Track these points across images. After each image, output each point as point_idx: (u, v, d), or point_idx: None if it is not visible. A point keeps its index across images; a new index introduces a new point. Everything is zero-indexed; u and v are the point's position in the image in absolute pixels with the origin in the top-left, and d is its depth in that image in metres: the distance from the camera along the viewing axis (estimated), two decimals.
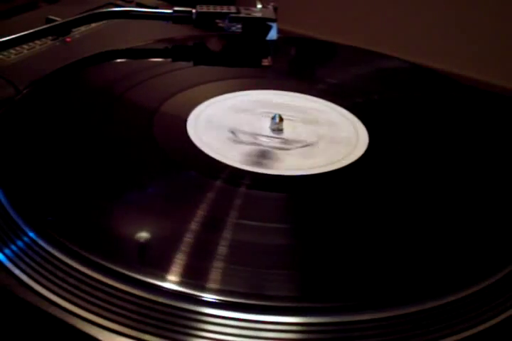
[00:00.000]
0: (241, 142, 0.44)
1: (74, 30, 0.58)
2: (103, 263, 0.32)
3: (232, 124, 0.46)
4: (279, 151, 0.43)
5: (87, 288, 0.32)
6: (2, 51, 0.54)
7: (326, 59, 0.59)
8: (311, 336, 0.30)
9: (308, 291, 0.32)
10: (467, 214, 0.38)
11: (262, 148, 0.43)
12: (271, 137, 0.45)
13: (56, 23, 0.55)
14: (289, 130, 0.46)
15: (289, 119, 0.46)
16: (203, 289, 0.31)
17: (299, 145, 0.44)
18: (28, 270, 0.33)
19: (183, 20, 0.56)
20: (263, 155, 0.42)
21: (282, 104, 0.49)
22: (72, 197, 0.37)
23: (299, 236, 0.36)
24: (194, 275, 0.32)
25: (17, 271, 0.33)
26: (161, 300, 0.31)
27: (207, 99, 0.48)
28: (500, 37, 0.69)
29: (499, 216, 0.38)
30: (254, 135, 0.45)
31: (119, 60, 0.54)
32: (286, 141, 0.44)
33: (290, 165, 0.42)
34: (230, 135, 0.44)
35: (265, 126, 0.46)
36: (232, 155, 0.42)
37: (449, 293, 0.32)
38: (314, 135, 0.45)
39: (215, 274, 0.32)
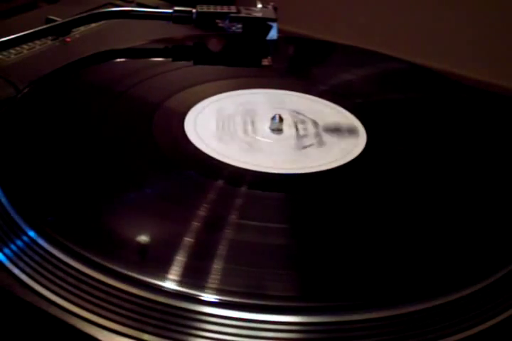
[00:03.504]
0: (238, 140, 0.44)
1: (74, 30, 0.58)
2: (103, 262, 0.32)
3: (232, 123, 0.46)
4: (275, 149, 0.43)
5: (87, 288, 0.32)
6: (2, 51, 0.54)
7: (326, 59, 0.59)
8: (310, 336, 0.30)
9: (307, 291, 0.32)
10: (467, 214, 0.38)
11: (259, 145, 0.43)
12: (269, 136, 0.45)
13: (56, 23, 0.55)
14: (288, 130, 0.45)
15: (289, 119, 0.46)
16: (203, 289, 0.31)
17: (297, 145, 0.44)
18: (28, 270, 0.33)
19: (184, 20, 0.56)
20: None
21: (282, 103, 0.49)
22: (72, 197, 0.37)
23: (298, 236, 0.36)
24: (194, 275, 0.32)
25: (17, 271, 0.33)
26: (160, 299, 0.31)
27: (206, 98, 0.48)
28: (500, 37, 0.69)
29: (499, 216, 0.38)
30: (253, 134, 0.45)
31: (119, 60, 0.54)
32: (284, 141, 0.44)
33: (282, 163, 0.42)
34: (229, 133, 0.44)
35: (265, 126, 0.46)
36: (228, 153, 0.42)
37: (449, 293, 0.32)
38: (313, 136, 0.45)
39: (214, 274, 0.32)
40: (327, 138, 0.45)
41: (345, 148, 0.44)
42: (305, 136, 0.45)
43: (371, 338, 0.30)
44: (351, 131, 0.45)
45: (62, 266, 0.33)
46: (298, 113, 0.48)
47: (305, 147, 0.44)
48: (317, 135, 0.45)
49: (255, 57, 0.56)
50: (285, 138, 0.45)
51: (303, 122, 0.47)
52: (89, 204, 0.37)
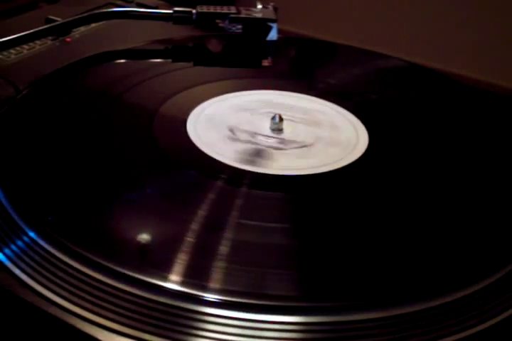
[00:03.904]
0: (237, 140, 0.44)
1: (74, 30, 0.58)
2: (103, 262, 0.32)
3: (232, 124, 0.46)
4: (274, 151, 0.43)
5: (87, 288, 0.32)
6: (2, 51, 0.54)
7: (326, 59, 0.59)
8: (311, 335, 0.30)
9: (308, 291, 0.32)
10: (467, 214, 0.38)
11: (257, 146, 0.43)
12: (269, 136, 0.45)
13: (56, 23, 0.55)
14: (288, 130, 0.46)
15: (289, 120, 0.46)
16: (204, 289, 0.31)
17: (296, 145, 0.44)
18: (28, 270, 0.33)
19: (184, 20, 0.56)
20: (258, 154, 0.42)
21: (282, 104, 0.49)
22: (72, 196, 0.37)
23: (299, 236, 0.36)
24: (194, 275, 0.32)
25: (17, 271, 0.33)
26: (161, 299, 0.31)
27: (207, 99, 0.48)
28: (501, 37, 0.69)
29: (499, 216, 0.38)
30: (253, 134, 0.45)
31: (119, 61, 0.54)
32: (283, 141, 0.44)
33: (282, 165, 0.42)
34: (229, 133, 0.45)
35: (265, 126, 0.46)
36: (228, 153, 0.42)
37: (449, 293, 0.32)
38: (313, 136, 0.45)
39: (215, 274, 0.32)
40: (326, 139, 0.45)
41: (344, 149, 0.44)
42: (303, 136, 0.45)
43: (371, 338, 0.30)
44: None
45: (62, 265, 0.33)
46: (298, 113, 0.48)
47: (303, 147, 0.44)
48: (316, 136, 0.45)
49: (255, 58, 0.56)
50: (283, 138, 0.45)
51: (303, 123, 0.47)
52: (90, 204, 0.37)
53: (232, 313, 0.30)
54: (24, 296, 0.32)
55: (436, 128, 0.47)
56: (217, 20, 0.57)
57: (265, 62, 0.56)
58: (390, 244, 0.35)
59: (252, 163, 0.41)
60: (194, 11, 0.55)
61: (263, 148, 0.43)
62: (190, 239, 0.34)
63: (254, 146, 0.43)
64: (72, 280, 0.32)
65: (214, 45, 0.57)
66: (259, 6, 0.57)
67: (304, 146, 0.44)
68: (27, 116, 0.45)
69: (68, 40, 0.58)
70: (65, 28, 0.56)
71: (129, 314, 0.30)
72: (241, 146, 0.43)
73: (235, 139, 0.44)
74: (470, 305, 0.32)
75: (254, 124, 0.46)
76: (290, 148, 0.44)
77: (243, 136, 0.44)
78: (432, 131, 0.47)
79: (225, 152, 0.42)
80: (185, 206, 0.37)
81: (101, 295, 0.31)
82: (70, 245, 0.33)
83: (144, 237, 0.35)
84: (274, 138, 0.45)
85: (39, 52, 0.56)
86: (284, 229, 0.36)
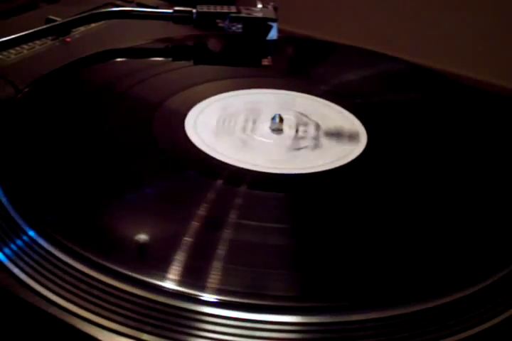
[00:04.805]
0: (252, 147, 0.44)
1: (74, 30, 0.58)
2: (103, 262, 0.32)
3: (232, 124, 0.46)
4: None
5: (87, 288, 0.32)
6: (2, 51, 0.54)
7: (326, 59, 0.59)
8: (310, 336, 0.30)
9: (308, 291, 0.32)
10: (467, 214, 0.38)
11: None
12: (273, 137, 0.45)
13: (56, 23, 0.55)
14: (289, 129, 0.46)
15: (289, 119, 0.46)
16: (203, 289, 0.31)
17: (306, 144, 0.44)
18: (28, 269, 0.33)
19: (184, 20, 0.56)
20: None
21: (282, 103, 0.49)
22: (72, 196, 0.37)
23: (298, 236, 0.36)
24: (194, 275, 0.32)
25: (16, 271, 0.33)
26: (160, 299, 0.31)
27: (207, 98, 0.48)
28: (500, 37, 0.69)
29: (499, 216, 0.38)
30: (253, 134, 0.45)
31: (119, 60, 0.54)
32: (294, 139, 0.44)
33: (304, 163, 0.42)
34: (232, 135, 0.45)
35: (265, 126, 0.46)
36: (228, 154, 0.42)
37: (449, 293, 0.32)
38: (314, 134, 0.45)
39: (214, 274, 0.32)
40: (325, 141, 0.45)
41: (345, 148, 0.44)
42: (303, 137, 0.45)
43: (371, 338, 0.30)
44: (352, 137, 0.45)
45: (62, 265, 0.33)
46: (300, 113, 0.48)
47: (299, 149, 0.44)
48: (315, 138, 0.45)
49: (255, 57, 0.56)
50: (283, 139, 0.45)
51: (304, 124, 0.47)
52: (89, 204, 0.37)
53: (231, 313, 0.30)
54: (24, 296, 0.32)
55: (436, 128, 0.47)
56: (218, 20, 0.57)
57: (265, 62, 0.56)
58: (389, 244, 0.35)
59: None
60: (194, 11, 0.55)
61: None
62: (189, 239, 0.34)
63: (253, 145, 0.43)
64: (71, 280, 0.32)
65: (214, 45, 0.57)
66: (260, 6, 0.57)
67: (300, 148, 0.44)
68: (27, 116, 0.45)
69: (68, 40, 0.58)
70: (65, 28, 0.56)
71: (129, 314, 0.30)
72: (241, 146, 0.43)
73: (236, 140, 0.44)
74: (470, 305, 0.32)
75: (254, 124, 0.46)
76: (285, 148, 0.44)
77: (243, 136, 0.44)
78: (432, 131, 0.47)
79: (225, 151, 0.42)
80: (185, 206, 0.37)
81: (100, 294, 0.31)
82: (70, 245, 0.33)
83: (144, 237, 0.35)
84: (273, 137, 0.45)
85: (39, 52, 0.56)
86: (283, 229, 0.36)
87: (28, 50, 0.56)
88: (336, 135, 0.45)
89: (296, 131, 0.46)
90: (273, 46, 0.56)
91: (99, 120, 0.45)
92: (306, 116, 0.48)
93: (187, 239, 0.34)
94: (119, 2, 0.66)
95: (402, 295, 0.32)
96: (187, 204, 0.37)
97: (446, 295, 0.32)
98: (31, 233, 0.34)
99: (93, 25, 0.61)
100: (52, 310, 0.31)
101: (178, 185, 0.39)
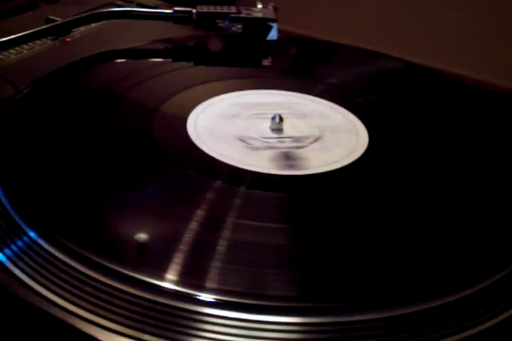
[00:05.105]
0: (255, 148, 0.44)
1: (74, 30, 0.58)
2: (103, 262, 0.32)
3: (233, 124, 0.46)
4: (297, 150, 0.43)
5: (87, 288, 0.32)
6: (2, 51, 0.54)
7: (326, 59, 0.59)
8: (310, 336, 0.30)
9: (308, 291, 0.32)
10: (467, 214, 0.38)
11: (281, 150, 0.43)
12: (277, 138, 0.45)
13: (56, 23, 0.55)
14: (289, 129, 0.46)
15: (289, 118, 0.46)
16: (203, 289, 0.31)
17: (310, 140, 0.44)
18: (28, 270, 0.33)
19: (184, 20, 0.56)
20: (287, 157, 0.42)
21: (282, 103, 0.49)
22: (72, 196, 0.37)
23: (298, 236, 0.36)
24: (193, 275, 0.32)
25: (17, 271, 0.33)
26: (160, 299, 0.31)
27: (207, 99, 0.48)
28: (500, 37, 0.69)
29: (499, 216, 0.38)
30: (253, 134, 0.45)
31: (119, 60, 0.54)
32: (296, 139, 0.44)
33: (318, 160, 0.42)
34: (236, 138, 0.44)
35: (265, 126, 0.46)
36: (229, 154, 0.42)
37: (449, 293, 0.32)
38: (316, 130, 0.45)
39: (214, 274, 0.32)
40: (325, 141, 0.45)
41: (347, 148, 0.44)
42: (302, 138, 0.45)
43: (371, 339, 0.30)
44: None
45: (62, 266, 0.33)
46: (300, 114, 0.48)
47: (299, 148, 0.44)
48: (315, 138, 0.45)
49: (255, 58, 0.56)
50: (283, 139, 0.45)
51: (305, 124, 0.47)
52: (90, 205, 0.37)
53: (231, 313, 0.30)
54: (24, 296, 0.32)
55: (436, 128, 0.47)
56: (218, 20, 0.57)
57: (265, 62, 0.56)
58: (390, 244, 0.35)
59: (290, 167, 0.41)
60: (194, 11, 0.55)
61: (286, 150, 0.43)
62: (189, 239, 0.34)
63: (253, 146, 0.43)
64: (71, 280, 0.32)
65: (214, 45, 0.57)
66: (260, 6, 0.57)
67: (316, 140, 0.44)
68: (27, 116, 0.45)
69: (68, 40, 0.58)
70: (65, 28, 0.56)
71: (129, 314, 0.30)
72: (241, 146, 0.43)
73: (236, 140, 0.44)
74: (470, 305, 0.32)
75: (255, 124, 0.46)
76: (286, 149, 0.44)
77: (243, 136, 0.44)
78: (432, 131, 0.47)
79: (225, 152, 0.42)
80: (185, 206, 0.37)
81: (100, 295, 0.31)
82: (70, 245, 0.33)
83: (144, 237, 0.35)
84: (273, 137, 0.45)
85: (39, 52, 0.56)
86: (283, 229, 0.36)
87: (28, 50, 0.56)
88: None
89: (296, 130, 0.46)
90: (273, 46, 0.56)
91: (99, 120, 0.45)
92: (306, 116, 0.48)
93: (187, 239, 0.34)
94: (119, 2, 0.66)
95: (402, 296, 0.32)
96: (187, 204, 0.37)
97: (447, 296, 0.32)
98: (31, 233, 0.34)
99: (93, 25, 0.61)
100: (53, 310, 0.31)
101: (178, 185, 0.39)
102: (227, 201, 0.37)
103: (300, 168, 0.41)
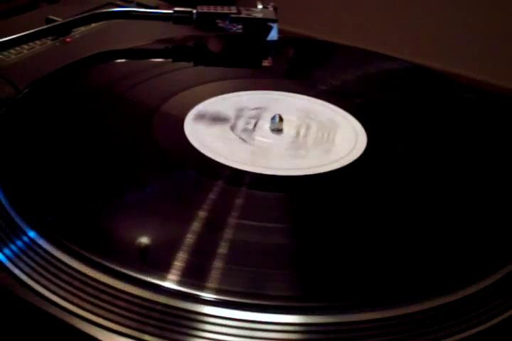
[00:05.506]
0: (255, 148, 0.44)
1: (74, 30, 0.58)
2: (103, 262, 0.32)
3: (232, 124, 0.46)
4: (297, 150, 0.43)
5: (87, 288, 0.32)
6: (2, 51, 0.54)
7: (326, 59, 0.59)
8: (310, 336, 0.30)
9: (308, 291, 0.32)
10: (467, 214, 0.38)
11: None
12: (277, 138, 0.45)
13: (56, 23, 0.55)
14: (289, 129, 0.46)
15: (289, 119, 0.46)
16: (203, 289, 0.31)
17: (310, 140, 0.44)
18: (28, 270, 0.33)
19: (184, 20, 0.56)
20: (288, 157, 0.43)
21: (282, 104, 0.49)
22: (72, 197, 0.37)
23: (298, 236, 0.36)
24: (194, 275, 0.32)
25: (17, 271, 0.33)
26: (161, 299, 0.31)
27: (207, 99, 0.48)
28: (500, 37, 0.69)
29: (499, 216, 0.38)
30: (253, 134, 0.45)
31: (119, 60, 0.54)
32: (296, 139, 0.45)
33: (318, 161, 0.42)
34: (233, 134, 0.45)
35: (265, 126, 0.46)
36: (237, 155, 0.42)
37: (449, 293, 0.32)
38: (316, 130, 0.45)
39: (214, 274, 0.32)
40: (325, 141, 0.45)
41: (347, 148, 0.44)
42: (303, 138, 0.45)
43: (371, 338, 0.30)
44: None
45: (62, 266, 0.33)
46: (300, 114, 0.48)
47: (299, 149, 0.44)
48: (315, 138, 0.45)
49: (256, 58, 0.56)
50: (283, 139, 0.45)
51: (304, 124, 0.47)
52: (90, 205, 0.37)
53: (231, 313, 0.30)
54: (24, 296, 0.32)
55: (436, 128, 0.47)
56: (218, 21, 0.57)
57: (265, 62, 0.56)
58: (389, 244, 0.35)
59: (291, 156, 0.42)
60: (194, 11, 0.55)
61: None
62: (189, 239, 0.34)
63: (253, 146, 0.43)
64: (71, 281, 0.32)
65: (214, 45, 0.57)
66: (260, 6, 0.57)
67: (301, 147, 0.44)
68: (27, 116, 0.45)
69: (68, 40, 0.58)
70: (65, 28, 0.56)
71: (129, 314, 0.30)
72: (241, 146, 0.43)
73: (236, 139, 0.44)
74: (470, 305, 0.32)
75: (254, 124, 0.46)
76: (286, 149, 0.44)
77: (243, 136, 0.44)
78: (432, 131, 0.47)
79: (224, 152, 0.42)
80: (185, 206, 0.37)
81: (101, 295, 0.31)
82: (70, 245, 0.33)
83: (144, 237, 0.35)
84: (273, 138, 0.45)
85: (39, 52, 0.56)
86: (284, 229, 0.36)
87: (28, 50, 0.56)
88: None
89: (296, 131, 0.46)
90: (273, 47, 0.56)
91: (99, 121, 0.45)
92: (306, 116, 0.48)
93: (187, 239, 0.34)
94: (119, 2, 0.66)
95: (402, 296, 0.32)
96: (187, 205, 0.37)
97: (447, 296, 0.32)
98: (31, 233, 0.34)
99: (93, 25, 0.61)
100: (53, 310, 0.31)
101: (178, 185, 0.39)
102: (228, 201, 0.37)
103: (302, 158, 0.42)
